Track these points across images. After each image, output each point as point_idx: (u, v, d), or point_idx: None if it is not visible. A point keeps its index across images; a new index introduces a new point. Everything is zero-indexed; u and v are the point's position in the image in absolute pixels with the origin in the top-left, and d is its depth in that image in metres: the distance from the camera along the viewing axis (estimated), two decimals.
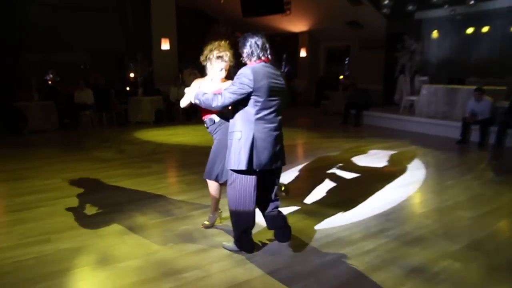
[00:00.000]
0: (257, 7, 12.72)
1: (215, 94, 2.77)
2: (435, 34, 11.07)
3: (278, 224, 3.09)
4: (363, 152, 6.79)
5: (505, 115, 7.34)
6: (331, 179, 5.14)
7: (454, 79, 9.75)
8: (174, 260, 2.96)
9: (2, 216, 3.99)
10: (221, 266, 2.87)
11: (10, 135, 8.65)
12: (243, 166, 2.73)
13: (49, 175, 5.36)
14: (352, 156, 6.43)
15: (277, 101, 2.79)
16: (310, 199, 4.34)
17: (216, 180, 3.32)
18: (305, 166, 5.90)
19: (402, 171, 5.54)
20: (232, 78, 2.92)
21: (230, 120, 2.87)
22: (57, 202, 4.24)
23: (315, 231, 3.49)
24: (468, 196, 4.47)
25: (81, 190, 4.67)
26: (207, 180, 3.39)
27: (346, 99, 10.77)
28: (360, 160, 6.16)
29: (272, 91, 2.73)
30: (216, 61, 3.16)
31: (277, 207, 3.07)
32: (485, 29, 10.09)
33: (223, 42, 3.22)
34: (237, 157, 2.75)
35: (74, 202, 4.25)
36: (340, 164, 5.89)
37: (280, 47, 16.25)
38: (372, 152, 6.79)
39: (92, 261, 2.96)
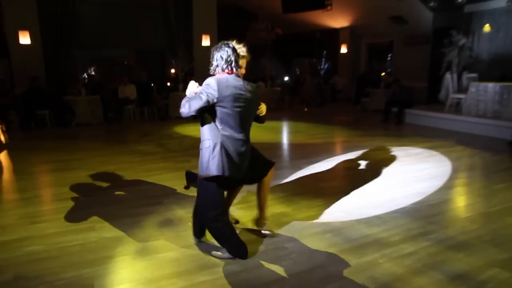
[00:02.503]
0: (298, 3, 12.62)
1: (186, 100, 2.68)
2: (487, 27, 10.46)
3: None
4: (404, 151, 6.56)
5: None
6: (370, 179, 5.01)
7: (507, 76, 9.17)
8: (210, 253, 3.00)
9: (50, 204, 4.23)
10: (257, 262, 2.87)
11: (59, 127, 9.14)
12: (213, 172, 2.74)
13: (93, 166, 5.60)
14: (392, 155, 6.23)
15: (241, 112, 2.78)
16: (348, 198, 4.25)
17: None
18: (343, 164, 5.79)
19: (446, 172, 5.30)
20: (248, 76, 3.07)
21: (201, 129, 2.87)
22: (101, 193, 4.43)
23: (353, 231, 3.41)
24: None
25: (123, 182, 4.85)
26: None
27: (388, 96, 10.45)
28: (401, 160, 5.96)
29: (237, 101, 2.75)
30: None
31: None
32: None
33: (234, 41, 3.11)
34: (208, 164, 2.76)
35: (116, 193, 4.42)
36: (380, 163, 5.72)
37: (320, 43, 16.03)
38: (413, 151, 6.55)
39: (132, 250, 3.07)
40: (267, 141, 7.54)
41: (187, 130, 8.83)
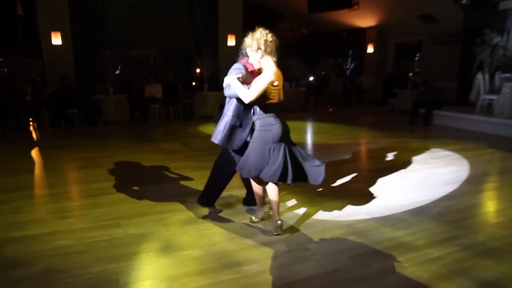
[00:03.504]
0: (324, 2, 12.50)
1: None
2: None
3: None
4: (432, 153, 6.39)
5: None
6: (396, 181, 4.91)
7: None
8: (233, 252, 3.02)
9: (79, 200, 4.36)
10: (280, 262, 2.87)
11: (88, 126, 9.41)
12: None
13: (119, 164, 5.74)
14: (419, 158, 6.08)
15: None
16: (373, 201, 4.18)
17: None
18: (367, 165, 5.70)
19: (476, 176, 5.13)
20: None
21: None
22: (127, 190, 4.53)
23: (377, 233, 3.35)
24: None
25: (148, 180, 4.94)
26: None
27: (415, 97, 10.20)
28: (428, 162, 5.80)
29: None
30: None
31: None
32: None
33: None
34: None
35: (142, 190, 4.51)
36: (405, 165, 5.60)
37: (346, 43, 15.83)
38: (442, 154, 6.37)
39: (156, 247, 3.12)
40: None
41: (212, 129, 8.85)
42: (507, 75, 9.24)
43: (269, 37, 3.17)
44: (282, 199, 4.18)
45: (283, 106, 3.36)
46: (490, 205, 4.23)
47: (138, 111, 10.63)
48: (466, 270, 2.76)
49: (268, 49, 3.15)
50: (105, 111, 9.71)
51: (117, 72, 12.34)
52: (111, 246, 3.13)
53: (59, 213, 3.86)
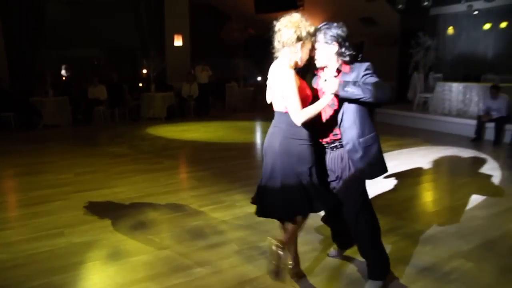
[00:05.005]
0: (270, 3, 12.67)
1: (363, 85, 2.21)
2: (450, 30, 10.88)
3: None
4: None
5: None
6: None
7: (470, 76, 9.59)
8: (184, 255, 2.99)
9: (17, 210, 4.08)
10: (231, 262, 2.88)
11: (26, 130, 8.82)
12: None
13: (62, 170, 5.44)
14: None
15: None
16: None
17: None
18: None
19: (414, 169, 5.47)
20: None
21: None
22: (70, 197, 4.31)
23: (326, 229, 3.44)
24: (482, 195, 4.39)
25: (93, 185, 4.73)
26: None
27: None
28: None
29: None
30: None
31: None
32: (503, 24, 9.88)
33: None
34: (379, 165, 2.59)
35: (86, 196, 4.31)
36: None
37: None
38: (384, 150, 6.70)
39: (103, 255, 3.00)
40: (240, 140, 7.55)
41: (159, 131, 8.72)
42: (439, 75, 9.98)
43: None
44: (232, 199, 4.20)
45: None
46: (427, 195, 4.54)
47: (82, 114, 10.14)
48: (407, 258, 2.95)
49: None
50: (45, 114, 9.15)
51: (62, 73, 11.68)
52: (54, 257, 2.97)
53: None
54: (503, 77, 8.89)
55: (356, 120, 2.33)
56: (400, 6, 9.31)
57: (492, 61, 10.07)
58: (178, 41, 11.89)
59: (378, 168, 2.50)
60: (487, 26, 10.15)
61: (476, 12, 9.92)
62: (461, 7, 10.06)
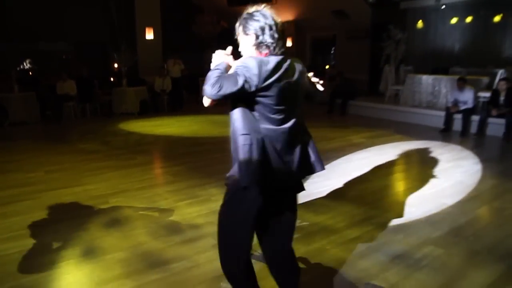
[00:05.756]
0: None
1: (218, 77, 1.86)
2: (420, 24, 11.15)
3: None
4: (348, 141, 6.85)
5: (487, 104, 7.50)
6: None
7: (438, 69, 9.87)
8: (160, 251, 2.96)
9: None
10: (208, 256, 2.88)
11: None
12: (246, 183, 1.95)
13: (32, 168, 5.26)
14: (338, 146, 6.48)
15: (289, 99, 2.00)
16: None
17: None
18: None
19: (386, 160, 5.61)
20: None
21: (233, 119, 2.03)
22: (41, 196, 4.18)
23: (301, 219, 3.51)
24: (450, 184, 4.57)
25: (65, 183, 4.60)
26: None
27: (332, 88, 10.81)
28: (345, 150, 6.21)
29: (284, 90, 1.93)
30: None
31: None
32: (468, 19, 10.21)
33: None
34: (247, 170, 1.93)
35: (58, 195, 4.19)
36: (325, 154, 5.93)
37: None
38: (356, 141, 6.86)
39: (77, 254, 2.94)
40: (215, 134, 7.52)
41: (132, 126, 8.56)
42: (409, 67, 10.22)
43: None
44: (208, 193, 4.19)
45: None
46: (399, 185, 4.68)
47: (50, 110, 9.79)
48: (381, 246, 3.04)
49: None
50: (11, 111, 8.79)
51: (27, 67, 11.21)
52: (25, 258, 2.88)
53: None
54: (469, 70, 9.20)
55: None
56: (371, 0, 9.45)
57: (459, 54, 10.41)
58: (149, 35, 11.66)
59: None
60: (454, 20, 10.46)
61: (443, 7, 10.20)
62: (429, 2, 10.31)
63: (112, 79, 11.55)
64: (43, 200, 4.03)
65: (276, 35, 1.97)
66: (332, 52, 14.73)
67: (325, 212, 3.71)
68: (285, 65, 1.93)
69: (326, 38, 14.58)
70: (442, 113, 7.86)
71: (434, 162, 5.52)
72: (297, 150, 2.05)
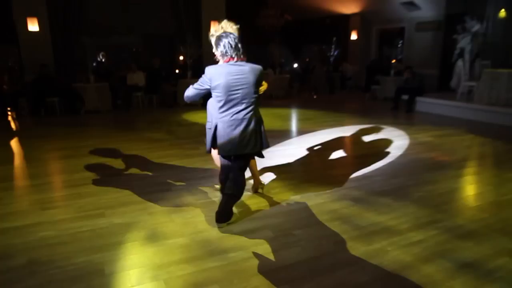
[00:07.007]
0: None
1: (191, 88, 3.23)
2: (502, 13, 10.20)
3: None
4: (414, 139, 6.50)
5: None
6: (379, 167, 4.98)
7: None
8: (219, 240, 3.03)
9: (61, 190, 4.29)
10: (266, 249, 2.89)
11: (69, 115, 9.22)
12: (208, 150, 3.36)
13: (103, 153, 5.65)
14: (402, 144, 6.18)
15: (238, 95, 3.03)
16: (357, 186, 4.24)
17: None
18: (351, 152, 5.77)
19: (456, 161, 5.24)
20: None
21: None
22: (111, 179, 4.47)
23: (361, 218, 3.41)
24: None
25: (132, 169, 4.89)
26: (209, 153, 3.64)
27: (398, 83, 10.31)
28: (410, 148, 5.91)
29: (231, 87, 3.01)
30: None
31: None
32: None
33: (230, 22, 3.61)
34: (208, 143, 3.31)
35: (126, 180, 4.46)
36: (388, 152, 5.69)
37: (330, 30, 15.81)
38: (424, 140, 6.49)
39: (141, 236, 3.11)
40: (276, 128, 7.52)
41: (196, 117, 8.84)
42: (487, 62, 9.41)
43: None
44: (266, 186, 4.20)
45: None
46: (469, 189, 4.35)
47: (121, 100, 10.44)
48: (447, 252, 2.84)
49: None
50: (87, 99, 9.51)
51: (101, 58, 12.05)
52: (96, 236, 3.10)
53: (42, 204, 3.79)
54: None
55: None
56: None
57: None
58: (214, 28, 11.90)
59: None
60: None
61: None
62: None
63: (177, 71, 12.01)
64: (112, 184, 4.31)
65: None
66: (399, 45, 14.04)
67: (387, 212, 3.56)
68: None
69: (394, 30, 13.92)
70: None
71: (511, 166, 5.05)
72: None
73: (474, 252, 2.86)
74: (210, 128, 3.26)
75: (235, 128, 3.05)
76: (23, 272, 2.62)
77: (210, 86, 3.04)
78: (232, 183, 3.26)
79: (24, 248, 2.93)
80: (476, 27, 9.00)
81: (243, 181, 3.35)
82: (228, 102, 3.04)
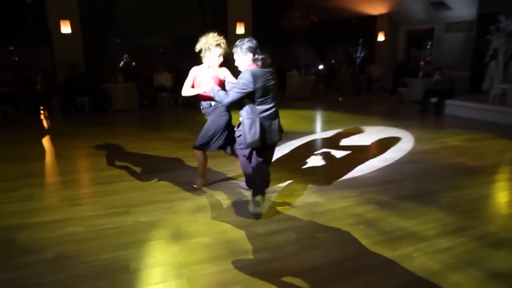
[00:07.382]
0: None
1: (226, 93, 3.37)
2: None
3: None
4: (442, 144, 6.32)
5: None
6: (406, 171, 4.86)
7: None
8: (243, 240, 3.03)
9: (89, 188, 4.40)
10: (289, 251, 2.87)
11: (97, 114, 9.47)
12: (257, 144, 3.36)
13: (129, 152, 5.78)
14: (431, 148, 6.02)
15: (271, 94, 3.36)
16: (383, 190, 4.15)
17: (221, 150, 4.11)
18: (378, 156, 5.65)
19: (487, 166, 5.06)
20: (228, 65, 3.73)
21: (241, 111, 3.44)
22: (136, 178, 4.56)
23: (386, 223, 3.34)
24: None
25: (158, 168, 4.96)
26: (197, 150, 4.00)
27: (427, 86, 10.05)
28: (438, 152, 5.74)
29: (266, 89, 3.28)
30: (215, 48, 3.74)
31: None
32: None
33: (216, 33, 3.87)
34: (248, 137, 3.35)
35: (151, 178, 4.53)
36: (416, 156, 5.55)
37: (356, 31, 15.60)
38: (453, 144, 6.29)
39: (166, 235, 3.15)
40: (301, 130, 7.47)
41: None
42: None
43: None
44: (291, 187, 4.18)
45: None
46: (501, 196, 4.18)
47: (147, 100, 10.64)
48: (477, 261, 2.74)
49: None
50: (115, 99, 9.74)
51: (126, 60, 12.32)
52: (121, 233, 3.17)
53: (70, 200, 3.90)
54: None
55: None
56: None
57: None
58: (240, 29, 11.96)
59: None
60: None
61: None
62: None
63: None
64: (138, 182, 4.39)
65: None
66: (428, 46, 13.70)
67: (414, 217, 3.47)
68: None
69: (422, 31, 13.59)
70: None
71: None
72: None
73: (506, 262, 2.74)
74: (250, 125, 3.35)
75: (270, 123, 3.38)
76: (52, 266, 2.70)
77: (252, 88, 3.21)
78: (259, 173, 3.54)
79: (53, 242, 3.02)
80: (511, 27, 8.65)
81: (268, 171, 3.64)
82: (265, 101, 3.31)
